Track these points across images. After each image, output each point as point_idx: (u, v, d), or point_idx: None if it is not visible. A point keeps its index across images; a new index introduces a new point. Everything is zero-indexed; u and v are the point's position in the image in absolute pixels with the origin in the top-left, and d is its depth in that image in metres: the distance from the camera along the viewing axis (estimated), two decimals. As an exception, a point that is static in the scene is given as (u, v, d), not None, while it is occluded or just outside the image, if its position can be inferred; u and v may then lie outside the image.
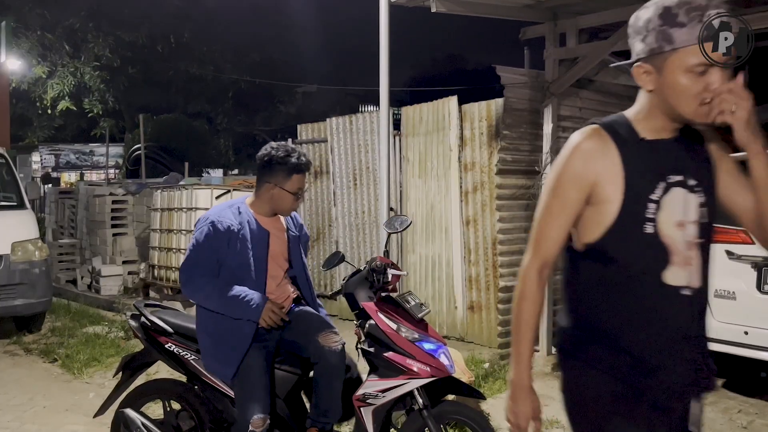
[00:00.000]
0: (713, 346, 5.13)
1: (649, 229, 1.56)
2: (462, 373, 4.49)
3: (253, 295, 2.81)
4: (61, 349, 6.27)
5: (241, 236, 2.84)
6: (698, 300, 1.62)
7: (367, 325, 2.89)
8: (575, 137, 1.64)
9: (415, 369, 2.77)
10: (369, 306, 2.91)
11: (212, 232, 2.80)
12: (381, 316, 2.87)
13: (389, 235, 3.28)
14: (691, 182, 1.60)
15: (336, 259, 3.30)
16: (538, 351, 5.68)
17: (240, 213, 2.89)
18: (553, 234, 1.64)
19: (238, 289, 2.82)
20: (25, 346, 6.53)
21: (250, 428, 2.73)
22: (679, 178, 1.59)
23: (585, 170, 1.58)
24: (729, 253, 4.80)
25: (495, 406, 4.67)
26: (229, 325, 2.84)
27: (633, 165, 1.57)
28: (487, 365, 5.51)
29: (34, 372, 5.71)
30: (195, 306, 2.97)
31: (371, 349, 2.89)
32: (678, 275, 1.58)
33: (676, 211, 1.57)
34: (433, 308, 6.91)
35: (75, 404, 4.84)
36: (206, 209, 5.90)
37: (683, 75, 1.50)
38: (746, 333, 4.66)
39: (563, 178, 1.62)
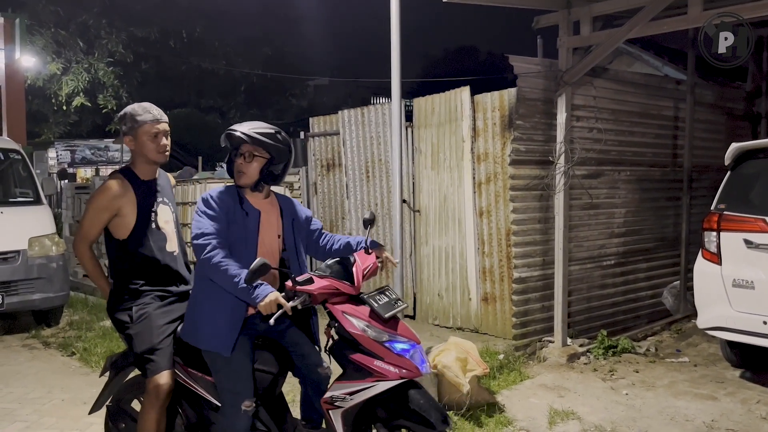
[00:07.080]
0: (731, 336, 5.08)
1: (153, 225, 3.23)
2: (477, 365, 4.48)
3: (262, 287, 2.71)
4: (79, 342, 6.34)
5: (236, 212, 2.95)
6: (181, 257, 3.39)
7: (335, 326, 2.78)
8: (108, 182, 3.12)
9: (382, 371, 2.65)
10: (334, 308, 2.76)
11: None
12: (347, 317, 2.72)
13: (368, 230, 3.14)
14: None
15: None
16: (553, 342, 5.65)
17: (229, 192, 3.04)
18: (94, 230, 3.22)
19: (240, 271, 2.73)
20: (43, 340, 6.62)
21: (243, 409, 2.80)
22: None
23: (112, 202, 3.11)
24: (747, 242, 4.73)
25: (510, 398, 4.65)
26: (230, 300, 2.84)
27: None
28: (501, 356, 5.49)
29: (52, 365, 5.79)
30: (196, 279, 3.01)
31: (339, 351, 2.78)
32: (172, 245, 3.31)
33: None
34: (447, 300, 6.90)
35: (93, 397, 4.81)
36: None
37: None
38: (765, 323, 4.59)
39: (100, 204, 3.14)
